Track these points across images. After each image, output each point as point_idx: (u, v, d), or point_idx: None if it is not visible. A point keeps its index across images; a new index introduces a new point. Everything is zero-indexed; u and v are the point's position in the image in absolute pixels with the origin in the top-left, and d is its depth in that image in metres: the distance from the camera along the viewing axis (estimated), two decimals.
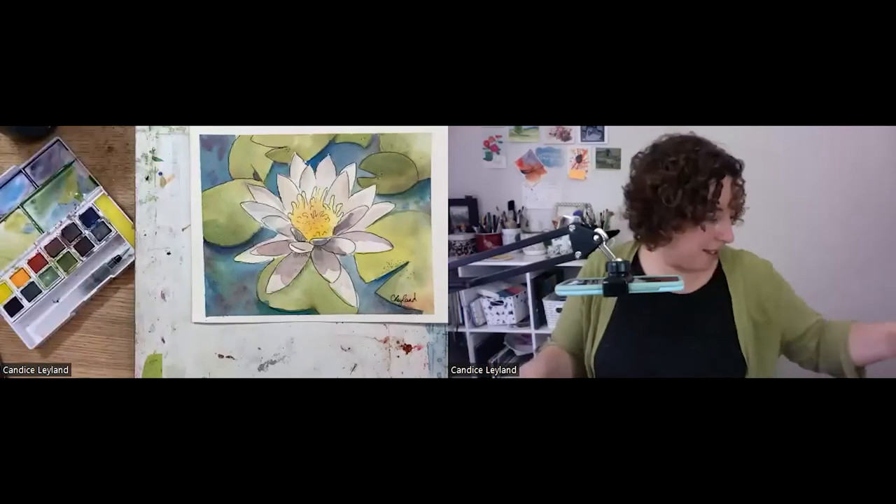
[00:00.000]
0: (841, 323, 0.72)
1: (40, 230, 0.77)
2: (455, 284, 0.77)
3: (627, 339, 0.75)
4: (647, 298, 0.74)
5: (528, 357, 1.51)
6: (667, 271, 0.76)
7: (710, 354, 0.72)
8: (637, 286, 0.64)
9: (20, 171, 0.77)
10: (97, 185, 0.77)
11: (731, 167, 0.72)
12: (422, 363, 0.75)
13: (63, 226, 0.76)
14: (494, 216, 1.60)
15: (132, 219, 0.76)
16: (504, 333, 1.56)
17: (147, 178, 0.75)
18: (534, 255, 1.48)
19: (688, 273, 0.74)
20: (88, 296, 0.76)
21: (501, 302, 1.49)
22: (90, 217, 0.76)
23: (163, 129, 0.75)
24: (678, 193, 0.70)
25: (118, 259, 0.76)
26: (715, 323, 0.73)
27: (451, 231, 1.54)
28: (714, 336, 0.73)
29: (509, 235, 1.57)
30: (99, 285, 0.76)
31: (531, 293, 1.47)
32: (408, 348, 0.75)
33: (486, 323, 1.52)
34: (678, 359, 0.72)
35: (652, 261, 0.77)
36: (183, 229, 0.75)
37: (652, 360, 0.72)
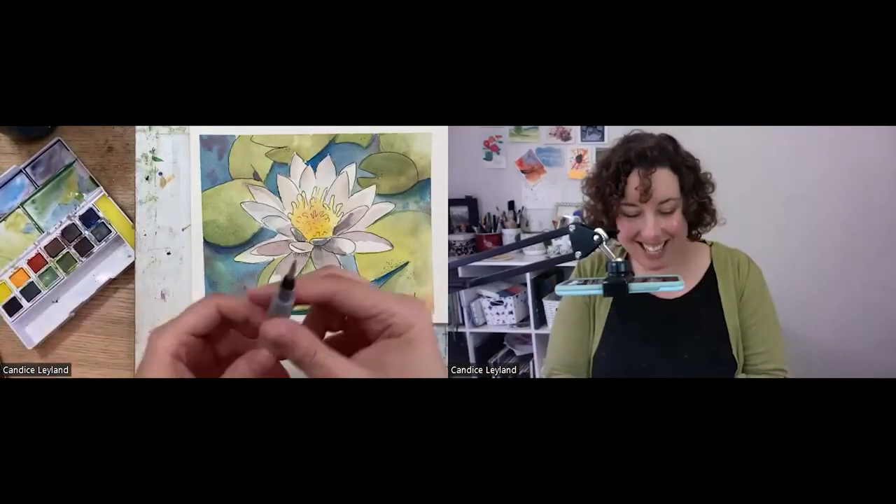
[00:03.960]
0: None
1: (40, 230, 0.77)
2: (455, 284, 0.77)
3: (621, 348, 0.74)
4: (638, 305, 0.74)
5: (528, 357, 1.51)
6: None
7: (703, 360, 0.72)
8: (637, 286, 0.64)
9: (20, 171, 0.77)
10: (97, 186, 0.77)
11: (641, 159, 0.69)
12: None
13: (63, 226, 0.76)
14: (494, 216, 1.60)
15: (132, 219, 0.76)
16: (504, 333, 1.56)
17: (147, 178, 0.75)
18: (534, 255, 1.48)
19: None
20: (88, 296, 0.76)
21: (501, 302, 1.49)
22: (90, 217, 0.76)
23: (163, 129, 0.75)
24: (590, 190, 0.73)
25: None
26: (705, 327, 0.73)
27: (451, 231, 1.54)
28: (705, 341, 0.73)
29: (509, 235, 1.57)
30: (99, 285, 0.76)
31: (531, 293, 1.47)
32: None
33: (486, 323, 1.52)
34: (671, 367, 0.72)
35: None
36: (183, 229, 0.75)
37: (646, 369, 0.72)
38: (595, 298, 0.76)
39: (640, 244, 0.71)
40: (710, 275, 0.75)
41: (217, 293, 0.59)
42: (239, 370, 0.50)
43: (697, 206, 0.72)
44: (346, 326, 0.52)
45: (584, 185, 0.74)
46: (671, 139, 0.73)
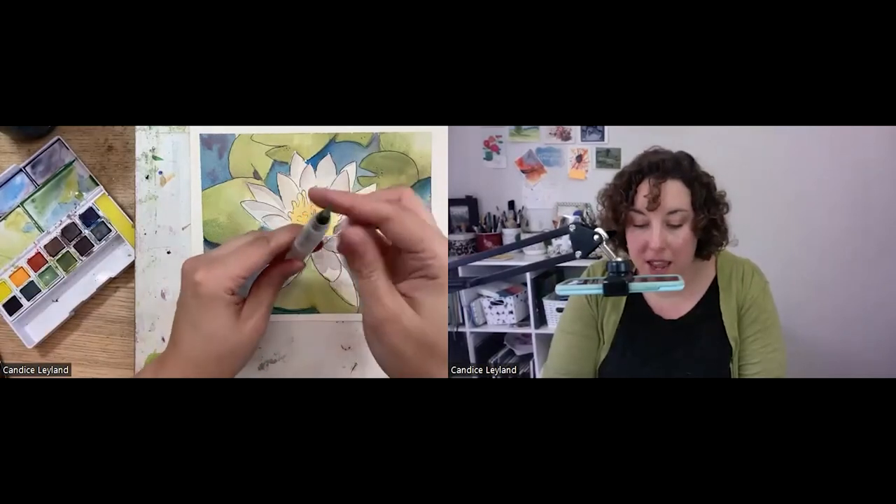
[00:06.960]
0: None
1: (40, 229, 0.77)
2: (455, 284, 0.77)
3: (624, 368, 0.75)
4: (644, 323, 0.74)
5: (529, 357, 1.51)
6: None
7: (702, 377, 0.73)
8: (637, 286, 0.64)
9: (20, 170, 0.77)
10: (97, 185, 0.77)
11: (653, 168, 0.71)
12: None
13: (63, 225, 0.76)
14: (494, 216, 1.60)
15: (132, 218, 0.76)
16: (504, 333, 1.56)
17: (147, 177, 0.75)
18: (534, 254, 1.49)
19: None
20: (88, 295, 0.76)
21: (501, 302, 1.49)
22: (90, 216, 0.76)
23: (163, 128, 0.75)
24: (603, 199, 0.74)
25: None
26: (707, 343, 0.73)
27: (451, 231, 1.54)
28: (706, 359, 0.73)
29: (509, 235, 1.57)
30: (99, 284, 0.76)
31: (531, 293, 1.47)
32: None
33: (486, 323, 1.52)
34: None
35: None
36: (183, 228, 0.75)
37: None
38: (603, 313, 0.76)
39: (649, 263, 0.71)
40: (714, 288, 0.74)
41: (261, 233, 0.61)
42: (273, 278, 0.62)
43: (707, 223, 0.71)
44: (387, 252, 0.56)
45: (599, 196, 0.75)
46: (688, 156, 0.73)
